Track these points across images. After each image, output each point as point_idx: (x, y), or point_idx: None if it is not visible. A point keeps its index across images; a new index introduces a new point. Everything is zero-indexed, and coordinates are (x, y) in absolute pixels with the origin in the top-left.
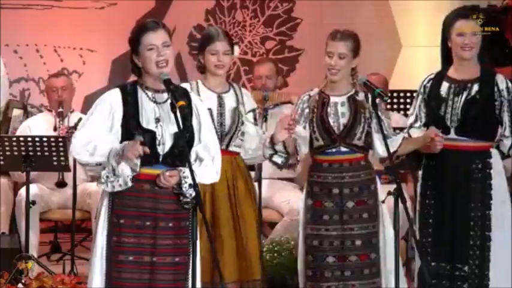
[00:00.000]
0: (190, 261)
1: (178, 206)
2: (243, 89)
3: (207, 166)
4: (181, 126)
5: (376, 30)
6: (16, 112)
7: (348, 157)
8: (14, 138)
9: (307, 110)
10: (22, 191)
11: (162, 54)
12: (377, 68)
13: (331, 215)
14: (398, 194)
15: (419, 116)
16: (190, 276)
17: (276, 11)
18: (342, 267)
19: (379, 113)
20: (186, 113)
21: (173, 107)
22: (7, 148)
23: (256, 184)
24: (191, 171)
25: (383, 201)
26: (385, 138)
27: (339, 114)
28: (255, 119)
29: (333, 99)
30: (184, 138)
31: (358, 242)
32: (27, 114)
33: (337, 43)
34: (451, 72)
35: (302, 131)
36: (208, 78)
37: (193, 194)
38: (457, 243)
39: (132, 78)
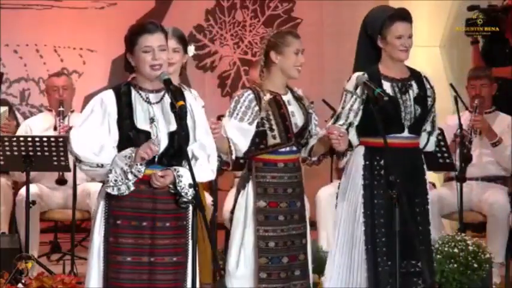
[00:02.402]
0: (190, 260)
1: (176, 206)
2: (192, 90)
3: (202, 165)
4: (177, 126)
5: None
6: (1, 109)
7: (297, 156)
8: (14, 138)
9: (256, 108)
10: (22, 191)
11: (157, 58)
12: None
13: (285, 215)
14: (398, 195)
15: (344, 115)
16: (189, 275)
17: (276, 11)
18: (293, 266)
19: (311, 111)
20: (182, 113)
21: (173, 107)
22: (7, 148)
23: None
24: (191, 171)
25: None
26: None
27: (289, 112)
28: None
29: (283, 97)
30: (182, 138)
31: (304, 241)
32: (14, 114)
33: (299, 40)
34: (385, 71)
35: (247, 127)
36: None
37: (190, 193)
38: (409, 239)
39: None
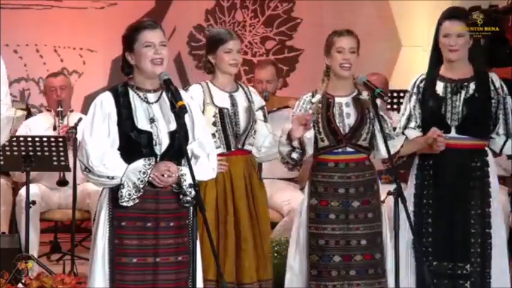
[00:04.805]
0: (191, 259)
1: (179, 205)
2: (250, 87)
3: (203, 164)
4: (178, 126)
5: (376, 30)
6: (18, 113)
7: (353, 157)
8: (14, 138)
9: (311, 111)
10: (22, 191)
11: (158, 53)
12: (377, 68)
13: (337, 214)
14: (398, 194)
15: (414, 116)
16: (199, 273)
17: (276, 11)
18: (348, 266)
19: (381, 113)
20: (182, 113)
21: (173, 107)
22: (7, 148)
23: None
24: (191, 171)
25: (383, 201)
26: (385, 138)
27: (343, 114)
28: (264, 116)
29: (337, 99)
30: (181, 137)
31: (363, 242)
32: (30, 116)
33: (347, 38)
34: (444, 72)
35: (308, 131)
36: (219, 77)
37: (193, 192)
38: (458, 241)
39: None
